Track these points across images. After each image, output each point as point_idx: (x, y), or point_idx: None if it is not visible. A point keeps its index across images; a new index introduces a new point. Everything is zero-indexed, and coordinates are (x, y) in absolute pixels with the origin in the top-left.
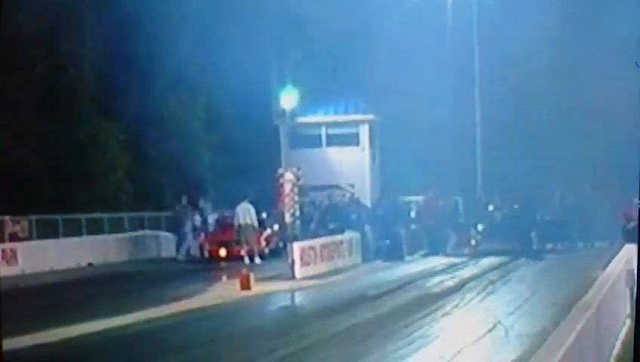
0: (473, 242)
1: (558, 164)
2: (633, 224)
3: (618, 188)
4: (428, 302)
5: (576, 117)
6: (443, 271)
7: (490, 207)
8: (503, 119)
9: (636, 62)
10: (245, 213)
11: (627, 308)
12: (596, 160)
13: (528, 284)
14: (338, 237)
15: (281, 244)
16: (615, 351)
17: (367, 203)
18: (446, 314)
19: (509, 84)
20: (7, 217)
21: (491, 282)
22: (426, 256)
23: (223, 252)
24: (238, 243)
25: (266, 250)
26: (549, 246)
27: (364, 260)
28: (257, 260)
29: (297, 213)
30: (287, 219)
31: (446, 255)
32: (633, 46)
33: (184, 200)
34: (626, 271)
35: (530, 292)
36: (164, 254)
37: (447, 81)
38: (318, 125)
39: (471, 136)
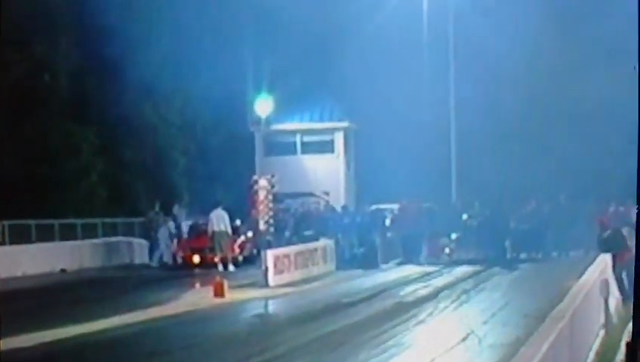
0: (447, 251)
1: (533, 172)
2: (608, 233)
3: (594, 197)
4: (402, 311)
5: (552, 125)
6: (417, 279)
7: (465, 216)
8: (479, 127)
9: (634, 67)
10: (219, 220)
11: (601, 318)
12: (572, 168)
13: (502, 293)
14: (312, 245)
15: (255, 252)
16: None
17: (342, 210)
18: (420, 322)
19: (484, 93)
20: None
21: (465, 291)
22: (400, 264)
23: (196, 259)
24: (212, 250)
25: (240, 258)
26: (523, 255)
27: (339, 268)
28: (231, 267)
29: (271, 220)
30: (262, 226)
31: (420, 264)
32: (612, 49)
33: (157, 206)
34: (600, 280)
35: (503, 302)
36: (138, 260)
37: (422, 88)
38: (293, 132)
39: (446, 144)
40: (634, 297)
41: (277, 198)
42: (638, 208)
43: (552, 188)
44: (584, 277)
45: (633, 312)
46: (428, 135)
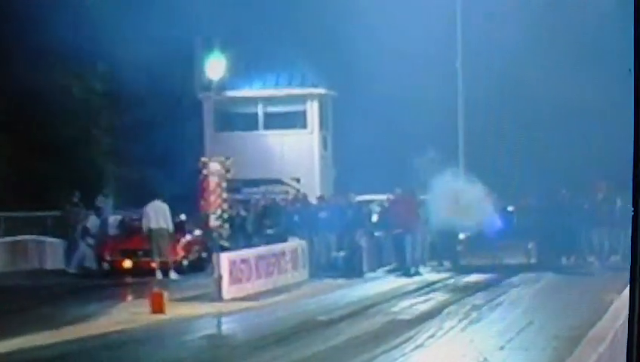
0: (454, 254)
1: (564, 156)
2: None
3: None
4: (395, 332)
5: (586, 101)
6: (414, 291)
7: None
8: (494, 100)
9: (629, 69)
10: (157, 215)
11: None
12: (615, 151)
13: (524, 310)
14: (279, 247)
15: (204, 255)
16: None
17: (317, 202)
18: (418, 346)
19: (500, 56)
20: None
21: (476, 307)
22: (392, 271)
23: (128, 263)
24: (148, 252)
25: (185, 262)
26: (552, 260)
27: (313, 276)
28: (173, 275)
29: (226, 214)
30: (213, 222)
31: (418, 271)
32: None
33: (76, 196)
34: None
35: (526, 320)
36: (51, 265)
37: (422, 48)
38: (254, 101)
39: (452, 121)
40: (629, 320)
41: (233, 187)
42: (633, 211)
43: (590, 176)
44: (629, 288)
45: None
46: (428, 108)
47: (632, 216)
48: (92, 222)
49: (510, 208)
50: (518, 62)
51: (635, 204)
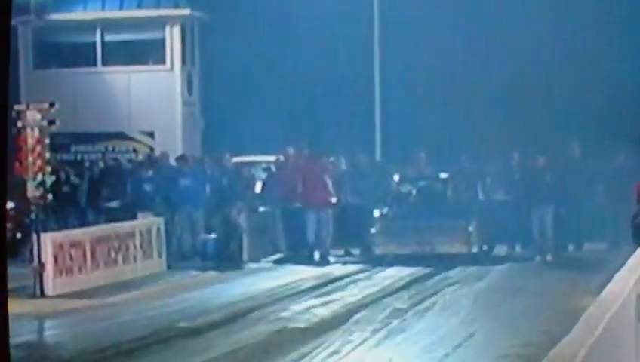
0: (366, 240)
1: (516, 105)
2: None
3: (629, 147)
4: (285, 346)
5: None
6: (313, 289)
7: (396, 178)
8: (421, 28)
9: None
10: None
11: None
12: (592, 102)
13: (463, 317)
14: (125, 226)
15: (19, 235)
16: None
17: (178, 165)
18: None
19: None
20: None
21: (398, 312)
22: (282, 261)
23: None
24: None
25: None
26: (502, 248)
27: (173, 267)
28: None
29: (49, 181)
30: (31, 191)
31: (318, 261)
32: None
33: None
34: (638, 296)
35: (465, 333)
36: None
37: None
38: (90, 26)
39: (365, 55)
40: None
41: (59, 143)
42: None
43: (554, 133)
44: (608, 289)
45: None
46: (334, 37)
47: None
48: None
49: (443, 175)
50: None
51: None
